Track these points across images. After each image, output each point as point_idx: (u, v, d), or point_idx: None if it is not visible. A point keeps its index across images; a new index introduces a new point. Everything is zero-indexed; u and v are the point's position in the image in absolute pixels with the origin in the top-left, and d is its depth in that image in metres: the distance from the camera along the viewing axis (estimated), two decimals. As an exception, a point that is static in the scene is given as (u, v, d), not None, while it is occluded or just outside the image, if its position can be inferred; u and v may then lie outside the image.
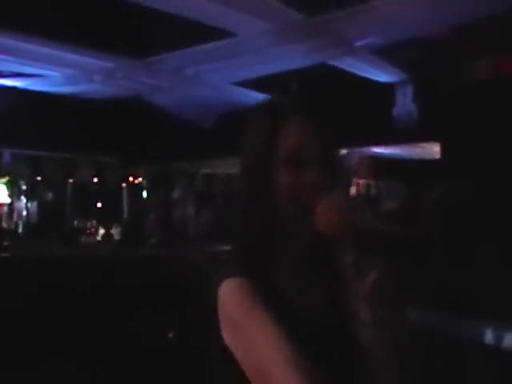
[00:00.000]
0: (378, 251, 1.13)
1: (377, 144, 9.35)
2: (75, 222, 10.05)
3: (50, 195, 10.80)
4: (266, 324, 1.15)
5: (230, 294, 1.21)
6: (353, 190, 17.66)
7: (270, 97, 1.36)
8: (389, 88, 7.47)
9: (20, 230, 10.23)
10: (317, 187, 1.19)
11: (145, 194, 10.71)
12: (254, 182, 1.25)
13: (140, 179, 10.48)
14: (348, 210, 1.11)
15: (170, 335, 6.66)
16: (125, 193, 10.45)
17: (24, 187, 10.54)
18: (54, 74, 6.76)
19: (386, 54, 6.34)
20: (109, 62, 6.23)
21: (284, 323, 1.15)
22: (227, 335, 1.21)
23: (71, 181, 10.45)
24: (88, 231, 9.82)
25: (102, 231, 9.81)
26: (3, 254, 7.70)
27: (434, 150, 7.69)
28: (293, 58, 5.84)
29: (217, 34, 5.40)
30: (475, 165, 6.40)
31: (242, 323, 1.18)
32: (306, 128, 1.25)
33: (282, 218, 1.23)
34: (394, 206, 17.59)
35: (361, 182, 17.84)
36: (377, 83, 7.30)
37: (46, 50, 5.82)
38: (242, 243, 1.32)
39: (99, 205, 10.44)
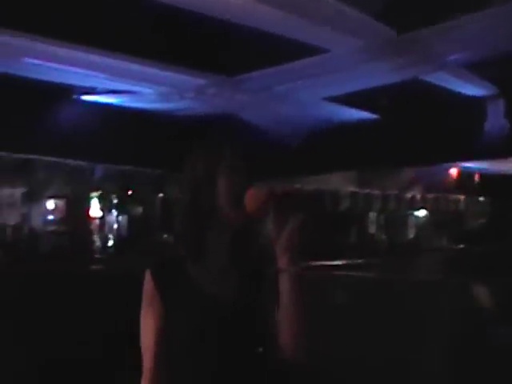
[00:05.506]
0: (293, 210, 1.53)
1: (467, 159, 9.14)
2: (164, 235, 10.25)
3: (139, 209, 11.04)
4: (144, 316, 1.69)
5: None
6: (442, 206, 17.38)
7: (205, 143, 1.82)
8: (480, 102, 7.32)
9: (110, 243, 10.49)
10: (243, 187, 1.62)
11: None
12: (203, 188, 1.69)
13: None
14: (263, 194, 1.55)
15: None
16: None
17: (115, 201, 10.82)
18: (146, 90, 6.88)
19: (477, 68, 6.22)
20: (200, 79, 6.30)
21: (179, 308, 1.63)
22: None
23: (161, 195, 10.64)
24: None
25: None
26: (95, 267, 7.85)
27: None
28: (384, 74, 5.79)
29: (307, 50, 5.41)
30: None
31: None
32: (234, 156, 1.74)
33: (220, 209, 1.67)
34: (482, 222, 17.16)
35: (450, 197, 17.47)
36: (467, 98, 7.16)
37: (139, 68, 5.93)
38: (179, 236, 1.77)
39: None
